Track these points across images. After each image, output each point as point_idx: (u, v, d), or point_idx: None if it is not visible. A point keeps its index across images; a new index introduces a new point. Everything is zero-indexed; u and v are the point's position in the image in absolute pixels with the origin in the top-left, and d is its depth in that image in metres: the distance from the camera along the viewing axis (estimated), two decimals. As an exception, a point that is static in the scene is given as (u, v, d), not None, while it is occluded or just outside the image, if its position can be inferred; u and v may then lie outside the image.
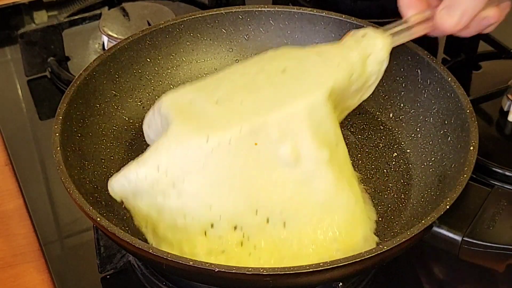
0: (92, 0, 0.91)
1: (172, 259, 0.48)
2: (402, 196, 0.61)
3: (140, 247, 0.49)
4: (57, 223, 0.67)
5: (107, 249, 0.60)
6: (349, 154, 0.64)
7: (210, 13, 0.72)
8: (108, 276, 0.60)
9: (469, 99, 0.60)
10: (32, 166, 0.73)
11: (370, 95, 0.69)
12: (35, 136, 0.78)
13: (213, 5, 0.89)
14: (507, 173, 0.65)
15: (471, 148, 0.56)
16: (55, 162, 0.56)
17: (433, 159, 0.62)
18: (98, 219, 0.51)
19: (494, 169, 0.66)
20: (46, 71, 0.83)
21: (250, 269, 0.47)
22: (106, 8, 0.91)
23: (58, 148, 0.57)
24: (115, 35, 0.80)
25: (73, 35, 0.85)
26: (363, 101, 0.69)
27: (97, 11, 0.87)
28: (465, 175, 0.54)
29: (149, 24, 0.79)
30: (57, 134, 0.58)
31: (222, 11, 0.73)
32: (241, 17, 0.73)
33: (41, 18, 0.91)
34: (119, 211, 0.59)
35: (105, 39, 0.81)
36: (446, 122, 0.62)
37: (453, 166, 0.58)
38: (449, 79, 0.63)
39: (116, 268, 0.61)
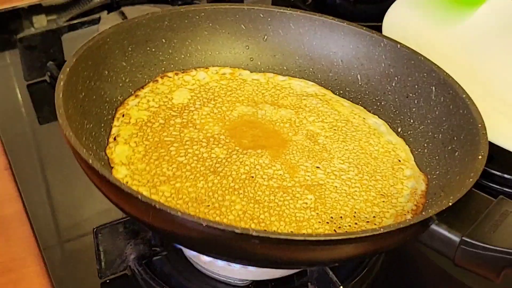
0: (91, 4, 0.92)
1: (161, 207, 0.46)
2: (403, 204, 0.59)
3: (128, 191, 0.47)
4: (56, 228, 0.66)
5: (107, 254, 0.58)
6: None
7: (233, 7, 0.72)
8: (108, 281, 0.59)
9: (480, 114, 0.59)
10: (31, 171, 0.72)
11: (380, 109, 0.69)
12: (34, 140, 0.77)
13: None
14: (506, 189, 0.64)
15: (480, 157, 0.55)
16: (56, 106, 0.54)
17: (437, 172, 0.61)
18: (90, 161, 0.49)
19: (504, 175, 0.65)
20: (45, 75, 0.82)
21: (240, 228, 0.45)
22: (105, 12, 0.91)
23: (61, 96, 0.55)
24: None
25: (72, 39, 0.85)
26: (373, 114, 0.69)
27: (96, 15, 0.88)
28: (471, 179, 0.52)
29: None
30: (61, 83, 0.56)
31: (244, 7, 0.72)
32: (262, 15, 0.73)
33: (40, 22, 0.91)
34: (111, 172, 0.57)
35: None
36: (455, 138, 0.61)
37: (458, 177, 0.57)
38: (464, 95, 0.62)
39: (116, 273, 0.59)
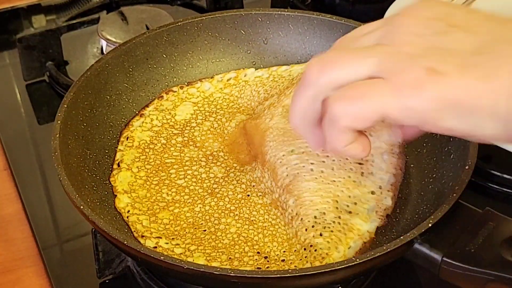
0: (90, 4, 0.92)
1: (146, 253, 0.48)
2: (397, 211, 0.60)
3: (116, 241, 0.50)
4: (56, 228, 0.68)
5: (105, 254, 0.61)
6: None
7: (230, 14, 0.73)
8: (107, 281, 0.61)
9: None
10: (31, 171, 0.74)
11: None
12: (33, 140, 0.79)
13: (211, 9, 0.90)
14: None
15: (467, 167, 0.55)
16: (52, 148, 0.57)
17: (434, 175, 0.61)
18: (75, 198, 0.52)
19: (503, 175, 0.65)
20: (44, 75, 0.83)
21: (218, 269, 0.47)
22: (105, 12, 0.91)
23: (57, 135, 0.58)
24: (113, 39, 0.81)
25: (71, 39, 0.86)
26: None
27: (95, 15, 0.88)
28: (454, 194, 0.52)
29: (147, 28, 0.80)
30: (58, 122, 0.59)
31: (241, 12, 0.73)
32: (260, 19, 0.73)
33: (40, 22, 0.92)
34: (112, 204, 0.60)
35: (103, 43, 0.82)
36: (451, 139, 0.61)
37: (450, 184, 0.57)
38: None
39: (115, 273, 0.61)
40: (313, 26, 0.72)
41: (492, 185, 0.65)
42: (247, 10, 0.73)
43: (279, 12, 0.73)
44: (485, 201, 0.65)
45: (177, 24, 0.71)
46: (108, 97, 0.67)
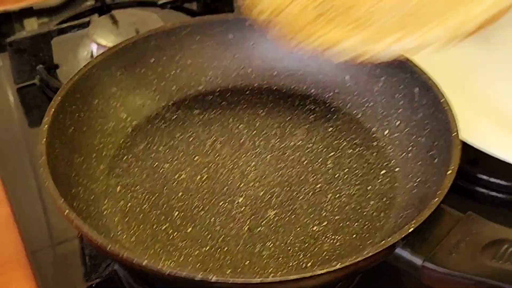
0: (82, 8, 0.92)
1: (127, 258, 0.49)
2: (382, 215, 0.60)
3: (98, 243, 0.50)
4: (44, 232, 0.67)
5: (92, 258, 0.61)
6: (337, 167, 0.64)
7: (217, 19, 0.73)
8: (93, 285, 0.61)
9: (456, 123, 0.59)
10: (21, 174, 0.73)
11: (369, 110, 0.69)
12: (24, 143, 0.78)
13: (202, 12, 0.90)
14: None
15: (449, 172, 0.55)
16: (38, 152, 0.57)
17: (418, 180, 0.61)
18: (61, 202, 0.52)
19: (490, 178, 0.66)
20: (35, 79, 0.83)
21: (199, 276, 0.48)
22: (97, 15, 0.91)
23: (44, 140, 0.58)
24: (104, 43, 0.81)
25: (62, 43, 0.85)
26: (361, 116, 0.70)
27: (87, 19, 0.88)
28: (436, 199, 0.53)
29: (137, 32, 0.80)
30: (46, 126, 0.60)
31: (229, 17, 0.73)
32: (248, 23, 0.73)
33: (31, 25, 0.92)
34: (99, 207, 0.61)
35: (94, 46, 0.82)
36: (435, 144, 0.62)
37: (434, 188, 0.57)
38: (442, 100, 0.62)
39: (102, 277, 0.61)
40: (300, 31, 0.73)
41: (479, 189, 0.65)
42: (235, 15, 0.74)
43: (267, 17, 0.73)
44: (472, 205, 0.65)
45: (165, 29, 0.72)
46: (96, 101, 0.67)
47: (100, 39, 0.82)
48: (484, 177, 0.65)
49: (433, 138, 0.62)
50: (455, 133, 0.59)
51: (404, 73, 0.67)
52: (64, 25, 0.86)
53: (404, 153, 0.65)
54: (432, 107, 0.63)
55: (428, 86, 0.64)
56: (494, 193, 0.67)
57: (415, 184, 0.61)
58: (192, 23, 0.73)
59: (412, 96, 0.66)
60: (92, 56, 0.83)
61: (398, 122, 0.67)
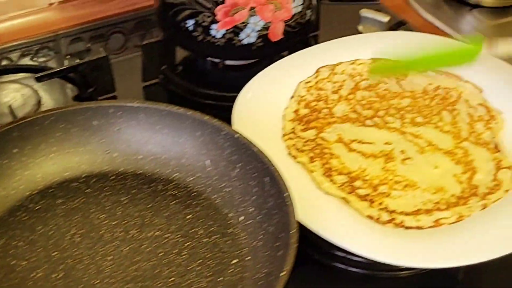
0: None
1: None
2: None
3: None
4: None
5: None
6: (191, 258, 0.67)
7: (81, 107, 0.75)
8: None
9: (296, 220, 0.63)
10: None
11: (227, 196, 0.72)
12: None
13: (83, 92, 0.92)
14: None
15: (282, 273, 0.59)
16: None
17: (265, 271, 0.64)
18: None
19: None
20: None
21: None
22: None
23: None
24: None
25: None
26: (220, 201, 0.73)
27: None
28: None
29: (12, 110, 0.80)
30: None
31: (92, 105, 0.75)
32: (112, 110, 0.76)
33: None
34: None
35: None
36: (280, 236, 0.65)
37: (275, 283, 0.60)
38: (285, 194, 0.65)
39: None
40: (162, 117, 0.75)
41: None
42: (98, 103, 0.76)
43: (130, 104, 0.75)
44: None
45: (27, 120, 0.73)
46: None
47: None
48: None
49: (280, 229, 0.65)
50: (293, 231, 0.62)
51: (257, 162, 0.70)
52: None
53: (255, 241, 0.68)
54: (279, 198, 0.67)
55: (275, 177, 0.67)
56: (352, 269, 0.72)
57: (261, 276, 0.64)
58: (55, 112, 0.74)
59: (263, 185, 0.69)
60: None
61: (252, 208, 0.70)
